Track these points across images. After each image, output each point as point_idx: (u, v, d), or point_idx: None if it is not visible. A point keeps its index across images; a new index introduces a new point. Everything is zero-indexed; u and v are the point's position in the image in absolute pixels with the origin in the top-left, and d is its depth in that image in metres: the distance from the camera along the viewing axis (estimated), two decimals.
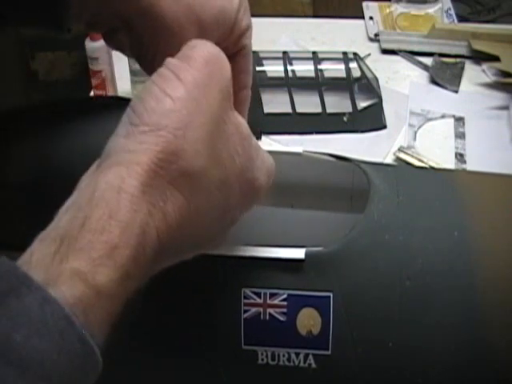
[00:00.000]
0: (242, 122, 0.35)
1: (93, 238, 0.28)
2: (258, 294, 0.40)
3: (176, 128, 0.31)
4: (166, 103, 0.32)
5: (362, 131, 0.86)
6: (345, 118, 0.86)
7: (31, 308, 0.26)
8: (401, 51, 0.99)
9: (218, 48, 0.35)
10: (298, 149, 0.48)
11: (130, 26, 0.40)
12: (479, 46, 0.96)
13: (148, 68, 0.42)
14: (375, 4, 1.09)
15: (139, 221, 0.30)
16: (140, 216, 0.30)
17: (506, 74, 0.92)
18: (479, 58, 0.96)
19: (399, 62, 0.98)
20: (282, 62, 0.89)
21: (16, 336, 0.26)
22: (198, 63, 0.33)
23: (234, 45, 0.43)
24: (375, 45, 1.01)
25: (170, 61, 0.33)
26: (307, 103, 0.86)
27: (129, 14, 0.40)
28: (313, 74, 0.88)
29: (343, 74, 0.88)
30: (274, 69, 0.89)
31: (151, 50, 0.41)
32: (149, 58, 0.41)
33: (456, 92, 0.92)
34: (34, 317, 0.26)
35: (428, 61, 0.97)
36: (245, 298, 0.40)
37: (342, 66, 0.89)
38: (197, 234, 0.34)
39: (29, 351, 0.26)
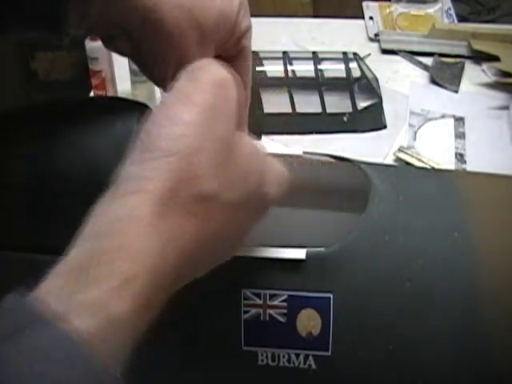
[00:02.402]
0: (248, 141, 0.35)
1: (108, 269, 0.28)
2: (258, 295, 0.40)
3: (188, 153, 0.31)
4: (177, 128, 0.31)
5: (362, 131, 0.86)
6: (345, 118, 0.86)
7: (47, 344, 0.26)
8: (401, 51, 0.99)
9: (224, 69, 0.35)
10: (298, 150, 0.48)
11: (130, 32, 0.40)
12: (479, 45, 0.96)
13: (148, 73, 0.43)
14: (375, 4, 1.08)
15: (155, 250, 0.30)
16: (156, 245, 0.30)
17: (506, 74, 0.92)
18: (479, 57, 0.96)
19: (399, 62, 0.98)
20: (282, 61, 0.89)
21: (35, 370, 0.25)
22: (207, 86, 0.33)
23: (233, 46, 0.43)
24: (375, 45, 1.01)
25: (179, 84, 0.33)
26: (307, 103, 0.86)
27: (129, 21, 0.40)
28: (313, 74, 0.88)
29: (343, 74, 0.88)
30: (273, 69, 0.89)
31: (151, 55, 0.41)
32: (149, 63, 0.42)
33: (456, 92, 0.92)
34: (48, 353, 0.26)
35: (428, 61, 0.97)
36: (245, 298, 0.40)
37: (342, 66, 0.89)
38: (213, 254, 0.34)
39: None
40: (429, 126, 0.86)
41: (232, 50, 0.43)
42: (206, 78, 0.33)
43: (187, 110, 0.32)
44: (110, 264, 0.28)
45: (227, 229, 0.34)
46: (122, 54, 0.43)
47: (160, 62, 0.41)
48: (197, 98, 0.32)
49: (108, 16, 0.39)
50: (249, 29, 0.43)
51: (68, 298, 0.28)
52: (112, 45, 0.43)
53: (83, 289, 0.28)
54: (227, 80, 0.34)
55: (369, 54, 0.98)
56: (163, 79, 0.42)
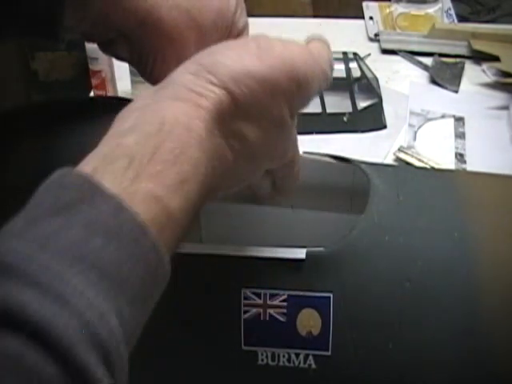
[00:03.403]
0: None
1: (165, 168, 0.29)
2: (258, 295, 0.40)
3: (247, 102, 0.33)
4: (247, 71, 0.33)
5: (362, 131, 0.86)
6: (345, 118, 0.86)
7: (106, 216, 0.26)
8: (401, 51, 0.99)
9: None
10: None
11: (128, 35, 0.40)
12: (479, 46, 0.96)
13: (147, 75, 0.43)
14: (375, 4, 1.08)
15: (206, 161, 0.31)
16: (207, 156, 0.31)
17: (506, 74, 0.92)
18: (479, 57, 0.96)
19: (399, 62, 0.98)
20: None
21: (94, 242, 0.26)
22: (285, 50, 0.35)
23: None
24: (375, 45, 1.01)
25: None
26: None
27: (127, 23, 0.40)
28: None
29: (343, 74, 0.88)
30: None
31: (151, 58, 0.41)
32: (149, 66, 0.42)
33: (456, 92, 0.92)
34: (109, 225, 0.26)
35: (428, 61, 0.97)
36: (245, 298, 0.40)
37: (341, 66, 0.89)
38: (247, 172, 0.36)
39: (106, 259, 0.26)
40: (429, 126, 0.86)
41: None
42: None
43: (263, 59, 0.33)
44: (168, 164, 0.29)
45: (260, 157, 0.35)
46: (121, 58, 0.43)
47: (159, 64, 0.41)
48: (277, 52, 0.34)
49: (106, 19, 0.39)
50: (246, 27, 0.43)
51: (126, 181, 0.28)
52: (110, 49, 0.43)
53: (143, 178, 0.28)
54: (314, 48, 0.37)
55: (369, 54, 0.98)
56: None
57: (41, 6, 0.38)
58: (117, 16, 0.39)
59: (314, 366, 0.41)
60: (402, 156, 0.80)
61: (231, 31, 0.42)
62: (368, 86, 0.88)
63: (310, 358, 0.41)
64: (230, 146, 0.33)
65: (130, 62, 0.43)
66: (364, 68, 0.89)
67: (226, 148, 0.33)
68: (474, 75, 0.95)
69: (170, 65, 0.40)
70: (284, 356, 0.41)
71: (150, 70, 0.42)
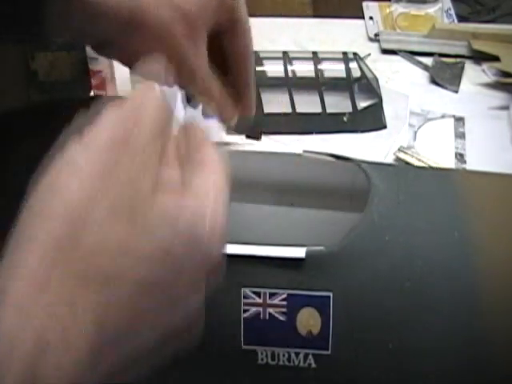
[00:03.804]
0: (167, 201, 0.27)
1: None
2: (258, 294, 0.40)
3: (73, 218, 0.26)
4: (63, 173, 0.27)
5: (362, 131, 0.85)
6: (345, 118, 0.86)
7: None
8: (401, 51, 0.99)
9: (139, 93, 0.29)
10: (298, 149, 0.48)
11: (116, 39, 0.40)
12: (479, 46, 0.96)
13: None
14: (375, 4, 1.08)
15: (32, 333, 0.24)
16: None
17: (506, 74, 0.92)
18: (479, 58, 0.96)
19: (399, 62, 0.98)
20: (282, 62, 0.89)
21: None
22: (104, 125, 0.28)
23: (226, 21, 0.42)
24: (375, 45, 1.01)
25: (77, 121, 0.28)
26: (307, 103, 0.86)
27: (111, 30, 0.39)
28: (313, 74, 0.88)
29: (343, 74, 0.88)
30: (273, 69, 0.89)
31: (143, 58, 0.36)
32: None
33: (456, 92, 0.92)
34: None
35: (428, 61, 0.97)
36: (244, 297, 0.40)
37: (341, 66, 0.89)
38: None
39: None
40: (429, 125, 0.86)
41: (225, 25, 0.42)
42: (104, 116, 0.28)
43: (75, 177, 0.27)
44: None
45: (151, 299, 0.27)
46: (114, 59, 0.43)
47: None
48: (91, 137, 0.27)
49: (89, 26, 0.39)
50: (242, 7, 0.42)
51: None
52: (102, 51, 0.42)
53: None
54: (133, 111, 0.28)
55: (369, 54, 0.98)
56: None
57: (23, 10, 0.37)
58: (98, 22, 0.38)
59: (313, 365, 0.41)
60: (402, 156, 0.80)
61: (221, 6, 0.40)
62: (368, 86, 0.88)
63: (310, 357, 0.41)
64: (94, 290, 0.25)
65: (123, 63, 0.43)
66: (364, 68, 0.89)
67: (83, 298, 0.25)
68: (474, 75, 0.94)
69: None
70: (284, 355, 0.41)
71: None
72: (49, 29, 0.38)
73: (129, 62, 0.41)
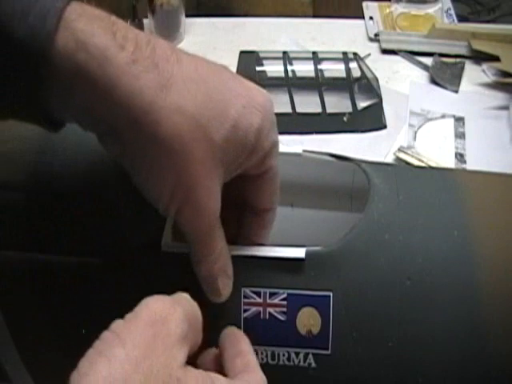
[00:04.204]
0: (197, 375, 0.33)
1: None
2: (258, 294, 0.40)
3: None
4: (100, 363, 0.29)
5: (362, 131, 0.86)
6: (345, 118, 0.86)
7: None
8: (401, 51, 0.99)
9: (169, 303, 0.33)
10: (298, 149, 0.48)
11: (120, 133, 0.33)
12: (479, 46, 0.96)
13: (141, 185, 0.35)
14: (375, 4, 1.09)
15: None
16: None
17: (506, 74, 0.92)
18: (479, 58, 0.96)
19: (399, 62, 0.98)
20: (282, 61, 0.89)
21: None
22: (141, 323, 0.31)
23: (257, 167, 0.37)
24: (375, 45, 1.01)
25: (115, 323, 0.32)
26: (307, 103, 0.86)
27: (116, 122, 0.33)
28: (313, 74, 0.88)
29: (343, 74, 0.88)
30: (273, 69, 0.89)
31: (145, 166, 0.34)
32: (142, 175, 0.35)
33: (456, 92, 0.92)
34: None
35: (428, 61, 0.97)
36: (244, 297, 0.41)
37: (342, 66, 0.89)
38: None
39: None
40: (429, 125, 0.87)
41: (255, 170, 0.37)
42: (145, 314, 0.32)
43: (115, 345, 0.30)
44: None
45: None
46: (113, 155, 0.36)
47: (154, 176, 0.34)
48: (127, 335, 0.31)
49: (92, 111, 0.33)
50: (275, 146, 0.37)
51: None
52: (101, 141, 0.35)
53: None
54: (168, 315, 0.32)
55: (369, 54, 0.98)
56: (158, 197, 0.35)
57: (22, 90, 0.33)
58: (104, 109, 0.32)
59: (313, 364, 0.41)
60: (402, 156, 0.80)
61: (254, 151, 0.35)
62: (368, 85, 0.88)
63: (310, 356, 0.41)
64: None
65: (123, 164, 0.35)
66: (364, 68, 0.89)
67: None
68: (474, 75, 0.95)
69: (167, 179, 0.34)
70: (284, 355, 0.41)
71: (143, 180, 0.35)
72: (50, 103, 0.34)
73: (130, 166, 0.35)
